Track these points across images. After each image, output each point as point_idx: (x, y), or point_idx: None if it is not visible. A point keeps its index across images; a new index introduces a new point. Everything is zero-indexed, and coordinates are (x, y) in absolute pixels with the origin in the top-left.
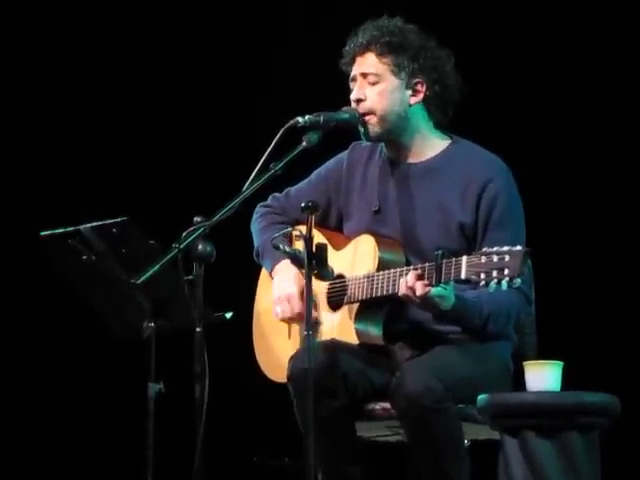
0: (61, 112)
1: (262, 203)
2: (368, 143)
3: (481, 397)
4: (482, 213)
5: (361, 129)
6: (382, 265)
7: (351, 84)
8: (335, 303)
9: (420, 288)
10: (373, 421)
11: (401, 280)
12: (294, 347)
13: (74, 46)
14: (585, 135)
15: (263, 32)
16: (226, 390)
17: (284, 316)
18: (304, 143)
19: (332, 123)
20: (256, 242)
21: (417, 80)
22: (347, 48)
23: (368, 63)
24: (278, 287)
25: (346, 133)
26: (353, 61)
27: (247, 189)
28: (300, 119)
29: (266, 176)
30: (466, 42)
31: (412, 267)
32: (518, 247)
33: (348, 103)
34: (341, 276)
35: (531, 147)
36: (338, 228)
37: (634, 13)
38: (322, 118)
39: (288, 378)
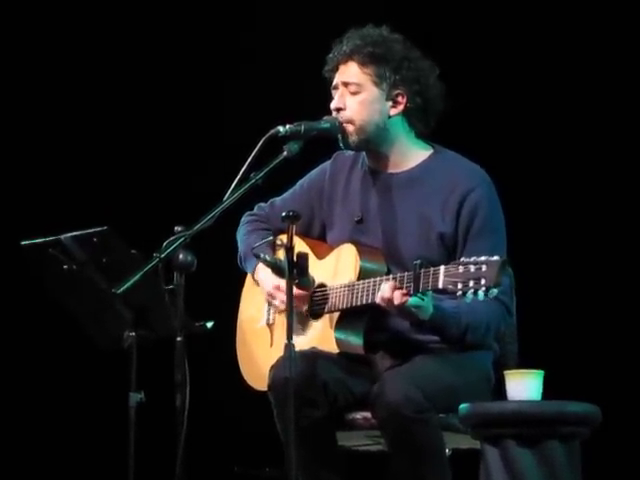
0: (42, 122)
1: (248, 212)
2: (351, 153)
3: (462, 406)
4: (462, 223)
5: (339, 137)
6: (363, 274)
7: (332, 92)
8: (316, 312)
9: (398, 297)
10: (354, 430)
11: (382, 286)
12: (275, 356)
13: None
14: (564, 146)
15: (244, 38)
16: (207, 399)
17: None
18: (285, 153)
19: (313, 132)
20: (240, 247)
21: (398, 92)
22: (331, 56)
23: (350, 72)
24: (265, 282)
25: (328, 142)
26: (336, 69)
27: (228, 199)
28: (281, 128)
29: (246, 186)
30: (452, 51)
31: (391, 276)
32: (495, 257)
33: (329, 112)
34: (322, 285)
35: (513, 157)
36: (322, 238)
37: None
38: (303, 127)
39: (269, 387)
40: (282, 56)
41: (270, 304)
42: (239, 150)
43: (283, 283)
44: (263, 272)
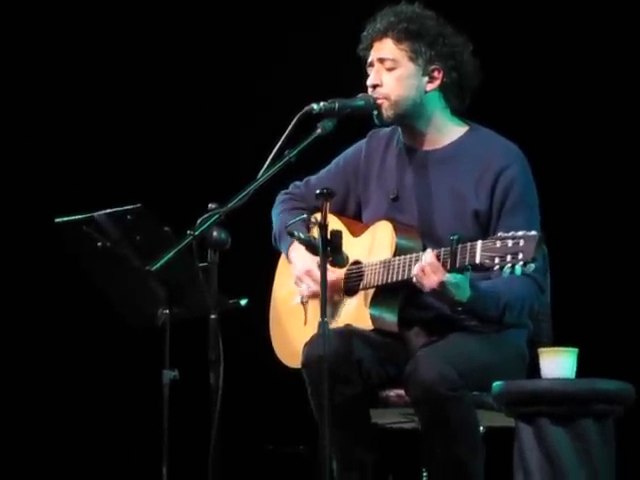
0: (77, 101)
1: (284, 190)
2: (386, 131)
3: (496, 384)
4: (497, 199)
5: (375, 113)
6: (399, 251)
7: (368, 69)
8: (351, 289)
9: (437, 269)
10: (388, 408)
11: (417, 263)
12: (309, 334)
13: (93, 35)
14: (602, 122)
15: (278, 17)
16: (241, 377)
17: (310, 290)
18: (319, 130)
19: (347, 110)
20: (274, 226)
21: (434, 67)
22: (365, 33)
23: (385, 49)
24: (296, 265)
25: (362, 120)
26: (371, 47)
27: (262, 176)
28: (315, 106)
29: (281, 163)
30: (485, 29)
31: (428, 249)
32: (533, 232)
33: (362, 90)
34: (358, 262)
35: (548, 135)
36: (357, 216)
37: None
38: (337, 105)
39: (303, 365)
40: (315, 33)
41: (298, 285)
42: (273, 127)
43: (314, 267)
44: (296, 252)
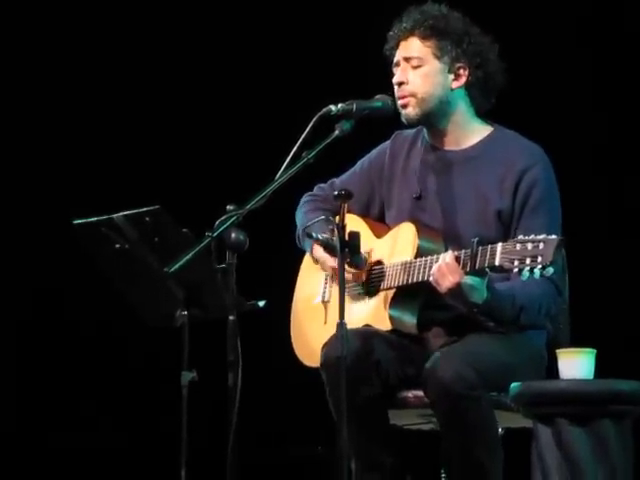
0: (96, 102)
1: (308, 193)
2: (411, 132)
3: (514, 385)
4: (519, 199)
5: (402, 112)
6: (420, 253)
7: (394, 69)
8: (372, 289)
9: (455, 270)
10: (406, 409)
11: (436, 264)
12: (329, 333)
13: (108, 32)
14: (623, 124)
15: (297, 17)
16: (259, 378)
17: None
18: (337, 132)
19: (365, 111)
20: (298, 227)
21: (460, 65)
22: (391, 33)
23: (412, 47)
24: (327, 258)
25: (382, 122)
26: (397, 46)
27: (280, 177)
28: (333, 107)
29: (299, 164)
30: (511, 31)
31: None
32: (553, 236)
33: (385, 92)
34: (380, 262)
35: (571, 138)
36: (382, 219)
37: None
38: (355, 106)
39: (321, 365)
40: (333, 34)
41: (333, 279)
42: (291, 129)
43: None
44: (321, 249)
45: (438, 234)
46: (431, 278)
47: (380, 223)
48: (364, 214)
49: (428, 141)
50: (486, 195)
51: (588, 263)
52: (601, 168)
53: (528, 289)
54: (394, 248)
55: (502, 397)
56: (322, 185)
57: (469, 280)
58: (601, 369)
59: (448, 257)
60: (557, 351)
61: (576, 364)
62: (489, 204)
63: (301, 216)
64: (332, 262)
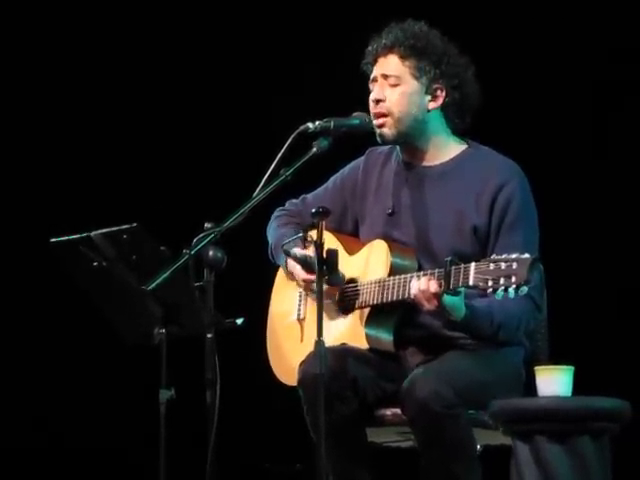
0: (71, 119)
1: (280, 207)
2: (384, 148)
3: (492, 402)
4: (495, 216)
5: (377, 131)
6: (394, 271)
7: (371, 85)
8: (346, 307)
9: (434, 286)
10: (384, 427)
11: (412, 282)
12: (305, 351)
13: (85, 49)
14: (599, 139)
15: (276, 37)
16: (237, 396)
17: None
18: (314, 149)
19: (342, 129)
20: (270, 240)
21: (437, 86)
22: (370, 48)
23: (390, 65)
24: (300, 272)
25: (358, 139)
26: (375, 62)
27: (258, 195)
28: (310, 125)
29: (277, 182)
30: (484, 48)
31: (422, 272)
32: (526, 255)
33: (361, 108)
34: (353, 280)
35: (546, 154)
36: (354, 234)
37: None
38: (332, 124)
39: (298, 383)
40: (313, 52)
41: (307, 291)
42: (269, 146)
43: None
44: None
45: (411, 250)
46: (413, 298)
47: (353, 238)
48: (336, 229)
49: (402, 158)
50: (461, 210)
51: (565, 279)
52: (579, 180)
53: (506, 306)
54: (367, 265)
55: (480, 415)
56: (294, 200)
57: (447, 300)
58: (579, 386)
59: (423, 284)
60: (535, 368)
61: (554, 381)
62: (465, 219)
63: (272, 231)
64: (305, 275)
